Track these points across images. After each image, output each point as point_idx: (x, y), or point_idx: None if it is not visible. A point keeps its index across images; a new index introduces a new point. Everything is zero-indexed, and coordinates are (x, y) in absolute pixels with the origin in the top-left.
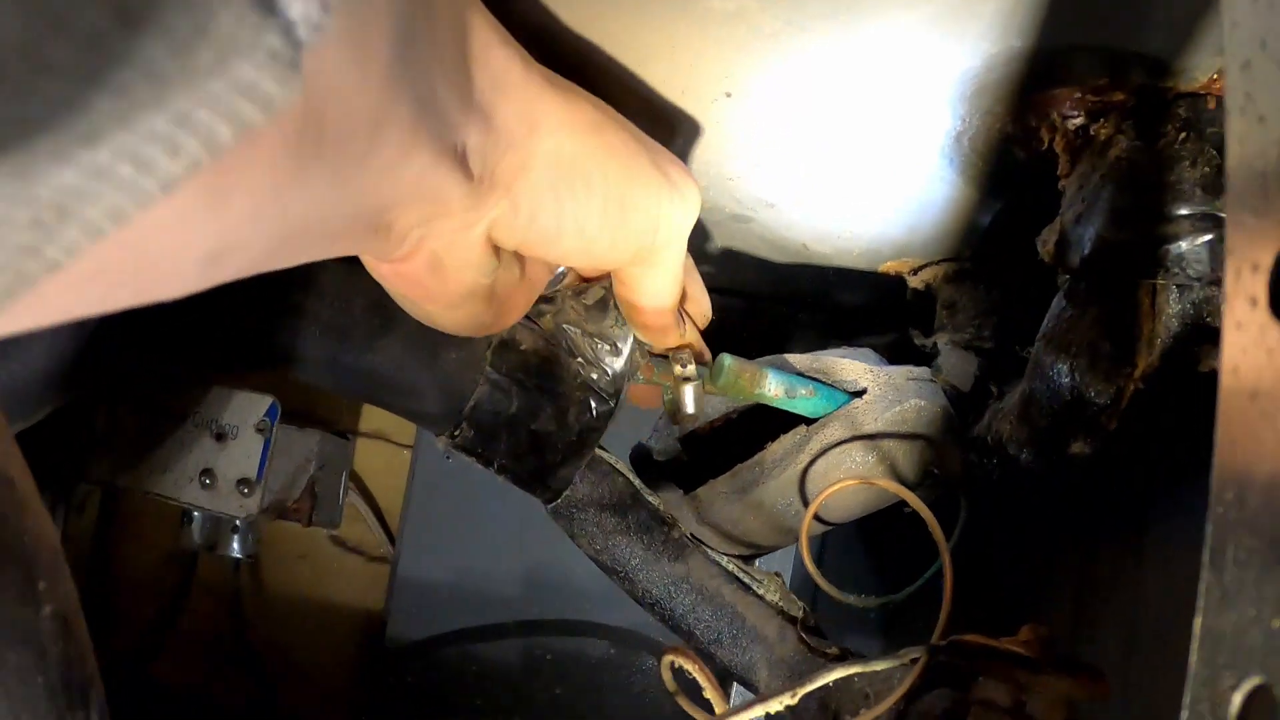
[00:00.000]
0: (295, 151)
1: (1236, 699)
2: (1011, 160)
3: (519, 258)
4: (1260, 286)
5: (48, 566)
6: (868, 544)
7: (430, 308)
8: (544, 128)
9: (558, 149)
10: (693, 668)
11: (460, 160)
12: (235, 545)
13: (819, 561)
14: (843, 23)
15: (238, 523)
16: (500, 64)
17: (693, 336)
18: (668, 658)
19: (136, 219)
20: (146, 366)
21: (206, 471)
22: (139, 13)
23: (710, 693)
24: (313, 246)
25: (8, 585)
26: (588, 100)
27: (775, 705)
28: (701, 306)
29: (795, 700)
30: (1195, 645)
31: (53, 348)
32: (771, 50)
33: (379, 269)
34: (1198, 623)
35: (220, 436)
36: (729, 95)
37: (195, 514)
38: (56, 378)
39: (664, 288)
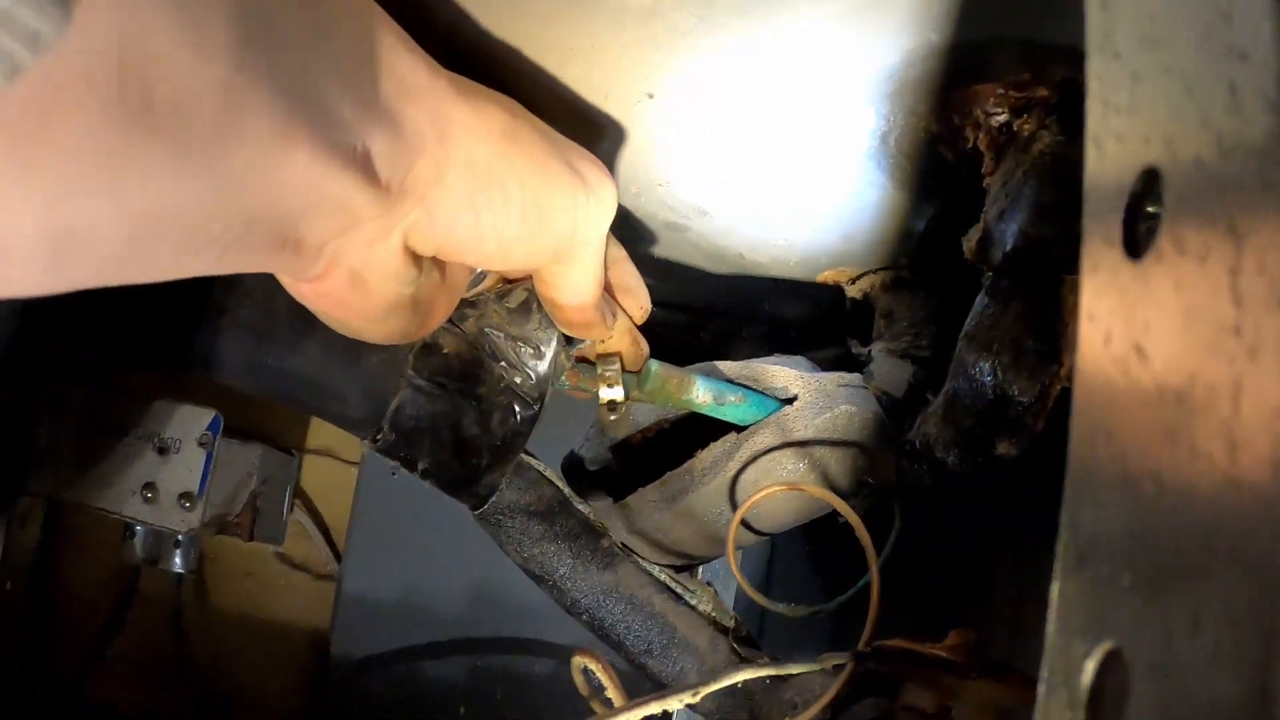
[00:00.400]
0: (117, 119)
1: (1090, 666)
2: (940, 161)
3: (438, 262)
4: (1114, 225)
5: None
6: (818, 552)
7: (355, 323)
8: (456, 134)
9: (471, 156)
10: (597, 668)
11: (362, 165)
12: (177, 560)
13: (768, 569)
14: (755, 18)
15: (179, 537)
16: (405, 69)
17: (625, 330)
18: (577, 659)
19: None
20: (72, 366)
21: (148, 485)
22: None
23: (612, 691)
24: (193, 251)
25: None
26: (499, 105)
27: (676, 703)
28: (639, 299)
29: (697, 699)
30: (1052, 613)
31: None
32: (688, 48)
33: (299, 288)
34: (1054, 588)
35: (163, 450)
36: (651, 96)
37: (137, 528)
38: None
39: (584, 284)
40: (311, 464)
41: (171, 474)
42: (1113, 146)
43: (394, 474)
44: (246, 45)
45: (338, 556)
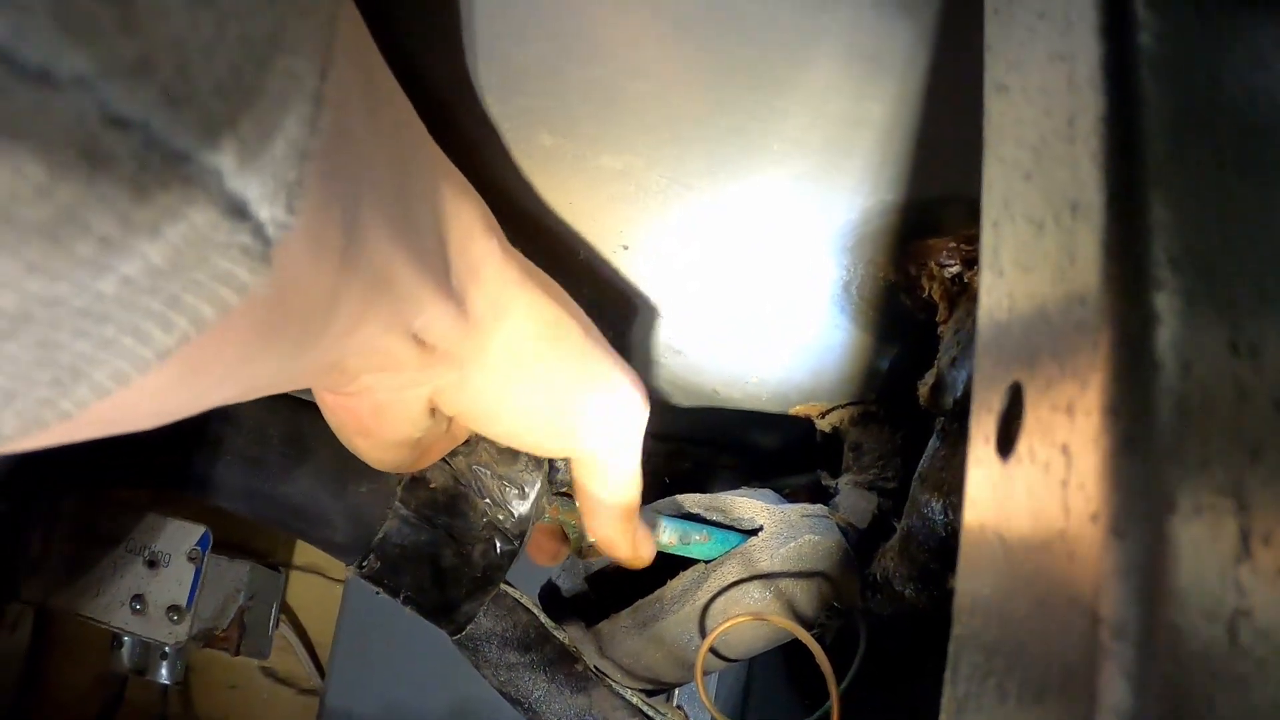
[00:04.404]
0: (263, 329)
1: None
2: (899, 307)
3: (448, 417)
4: (991, 426)
5: None
6: (794, 671)
7: (360, 443)
8: (509, 318)
9: (516, 341)
10: None
11: (419, 333)
12: (164, 671)
13: (745, 688)
14: (722, 178)
15: (167, 649)
16: (478, 254)
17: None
18: None
19: (134, 382)
20: (71, 482)
21: (138, 597)
22: (137, 223)
23: None
24: (262, 394)
25: None
26: (555, 299)
27: None
28: (643, 548)
29: None
30: None
31: None
32: (660, 205)
33: (324, 397)
34: None
35: (152, 563)
36: (626, 248)
37: (125, 638)
38: None
39: (612, 484)
40: (298, 580)
41: (160, 587)
42: (992, 355)
43: (378, 593)
44: (348, 245)
45: (321, 672)
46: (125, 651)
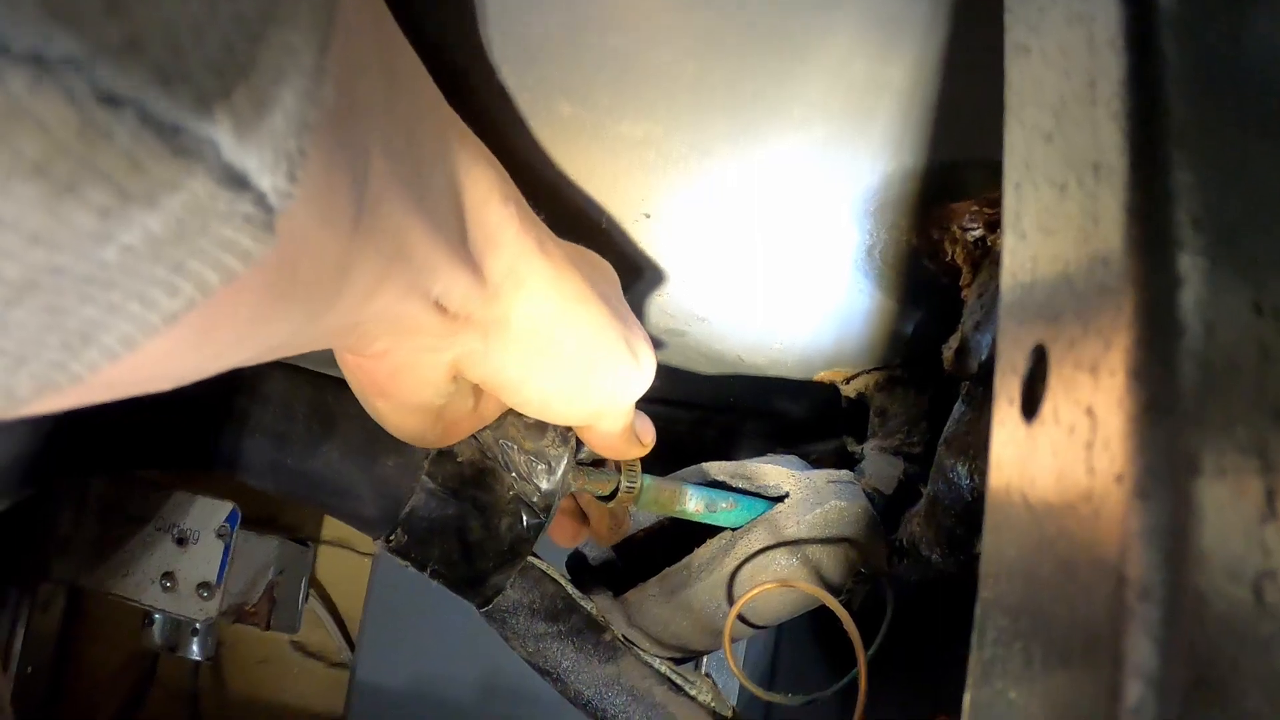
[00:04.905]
0: (272, 293)
1: None
2: (922, 271)
3: (476, 390)
4: (1015, 388)
5: None
6: (823, 637)
7: (380, 405)
8: (530, 287)
9: (538, 310)
10: None
11: (438, 300)
12: (195, 647)
13: (774, 656)
14: (742, 145)
15: (197, 625)
16: (495, 222)
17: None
18: None
19: (142, 345)
20: (99, 463)
21: (167, 574)
22: (133, 194)
23: None
24: (282, 355)
25: None
26: (577, 266)
27: None
28: (644, 437)
29: None
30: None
31: (10, 445)
32: (682, 173)
33: (344, 357)
34: (966, 698)
35: (181, 541)
36: (648, 216)
37: (156, 616)
38: (14, 472)
39: (615, 429)
40: (326, 555)
41: (190, 564)
42: (1016, 317)
43: (405, 566)
44: (360, 213)
45: (351, 645)
46: (156, 629)
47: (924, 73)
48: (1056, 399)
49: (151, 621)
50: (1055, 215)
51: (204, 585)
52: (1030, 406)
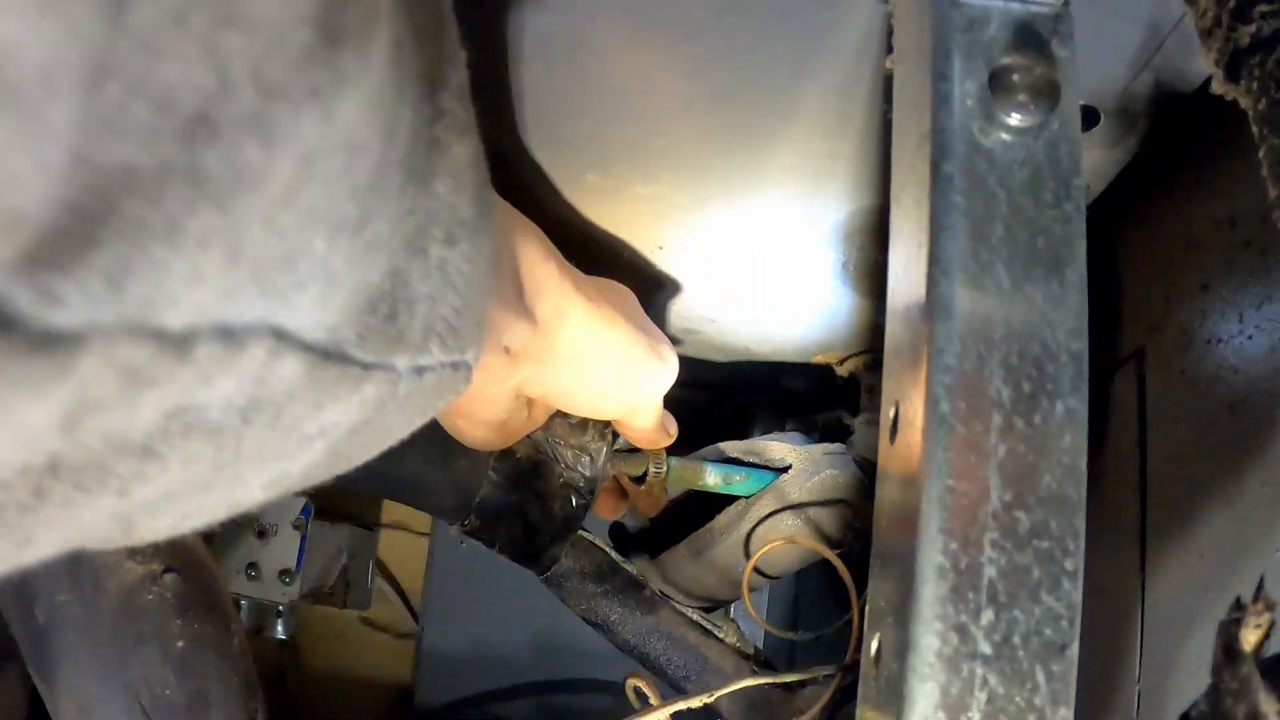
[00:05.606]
0: None
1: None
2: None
3: (530, 402)
4: (889, 428)
5: (229, 610)
6: (837, 581)
7: (460, 424)
8: (570, 320)
9: (578, 336)
10: (644, 684)
11: (505, 347)
12: (279, 628)
13: (795, 604)
14: (733, 197)
15: (280, 608)
16: (541, 275)
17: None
18: (630, 682)
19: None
20: None
21: (252, 565)
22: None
23: (654, 699)
24: None
25: (217, 621)
26: (605, 295)
27: (697, 701)
28: (670, 429)
29: (713, 698)
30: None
31: None
32: (685, 216)
33: None
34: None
35: (262, 534)
36: (661, 248)
37: (243, 601)
38: None
39: (647, 424)
40: (387, 536)
41: (271, 554)
42: (890, 379)
43: (461, 543)
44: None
45: (415, 617)
46: (244, 614)
47: (868, 144)
48: (901, 433)
49: (239, 608)
50: (902, 286)
51: (285, 572)
52: (892, 437)
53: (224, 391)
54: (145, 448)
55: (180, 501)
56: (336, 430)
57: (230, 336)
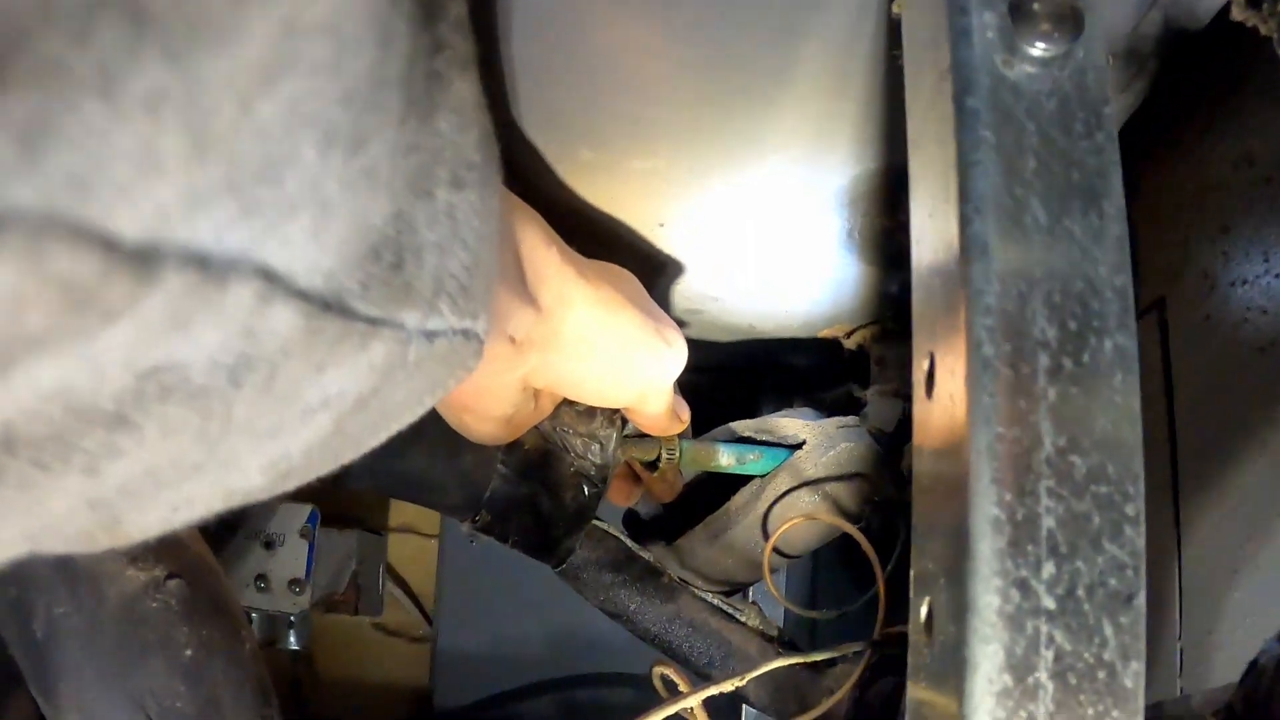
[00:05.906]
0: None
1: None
2: (897, 243)
3: (536, 393)
4: (922, 381)
5: (238, 614)
6: (853, 562)
7: (466, 419)
8: (573, 306)
9: (582, 323)
10: (672, 672)
11: (509, 336)
12: (292, 638)
13: (813, 583)
14: (734, 166)
15: (292, 618)
16: (541, 261)
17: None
18: (657, 669)
19: None
20: None
21: (260, 576)
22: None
23: (682, 686)
24: None
25: (225, 626)
26: (608, 280)
27: (728, 686)
28: (682, 414)
29: (744, 682)
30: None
31: None
32: (684, 191)
33: None
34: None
35: (269, 544)
36: (661, 225)
37: (253, 614)
38: None
39: (658, 410)
40: (396, 540)
41: (279, 564)
42: (921, 332)
43: (472, 542)
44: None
45: (428, 619)
46: (256, 627)
47: (870, 104)
48: (940, 384)
49: (250, 621)
50: (929, 233)
51: (294, 582)
52: (929, 390)
53: (207, 345)
54: (116, 415)
55: (167, 488)
56: (341, 401)
57: (207, 266)
